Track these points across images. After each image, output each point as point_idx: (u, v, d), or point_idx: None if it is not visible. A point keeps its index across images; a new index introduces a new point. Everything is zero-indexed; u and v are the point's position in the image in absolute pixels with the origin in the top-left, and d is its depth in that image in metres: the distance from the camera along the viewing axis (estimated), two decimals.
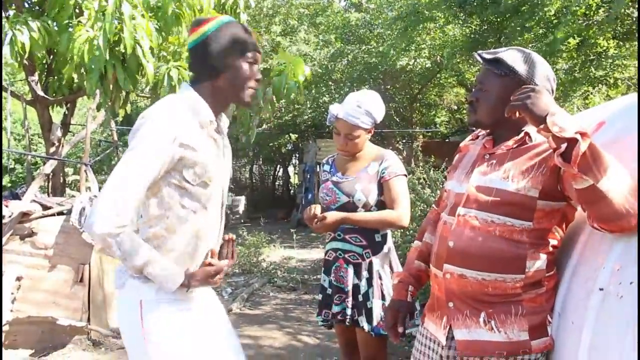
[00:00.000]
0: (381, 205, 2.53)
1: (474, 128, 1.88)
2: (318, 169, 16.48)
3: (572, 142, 1.34)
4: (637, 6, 5.96)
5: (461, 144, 1.94)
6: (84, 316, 4.33)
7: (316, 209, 2.53)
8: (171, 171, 1.65)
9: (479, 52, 1.73)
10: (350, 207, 2.52)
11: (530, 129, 1.64)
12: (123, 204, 1.54)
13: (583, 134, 1.33)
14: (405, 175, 2.59)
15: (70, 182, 12.63)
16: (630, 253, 1.34)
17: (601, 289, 1.36)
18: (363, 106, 2.50)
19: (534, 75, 1.64)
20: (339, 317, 2.56)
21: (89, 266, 4.36)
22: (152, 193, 1.67)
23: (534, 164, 1.57)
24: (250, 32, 1.75)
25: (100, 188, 5.40)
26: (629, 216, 1.35)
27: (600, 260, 1.41)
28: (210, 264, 1.73)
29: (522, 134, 1.65)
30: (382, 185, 2.53)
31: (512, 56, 1.66)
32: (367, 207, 2.51)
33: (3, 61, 4.56)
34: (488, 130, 1.79)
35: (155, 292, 1.67)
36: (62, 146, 5.43)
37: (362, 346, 2.54)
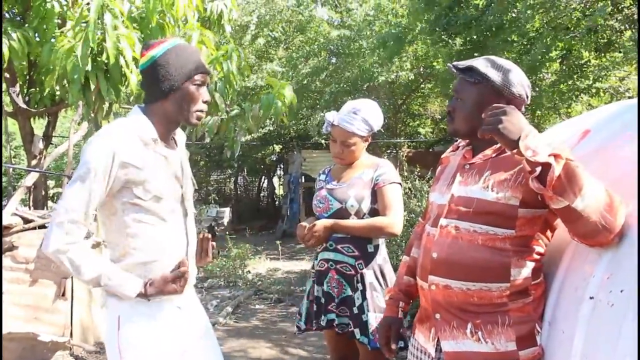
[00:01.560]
0: (374, 213, 2.49)
1: (455, 138, 1.89)
2: (303, 180, 16.48)
3: (547, 166, 1.34)
4: (637, 6, 6.05)
5: (442, 156, 1.96)
6: (67, 331, 4.24)
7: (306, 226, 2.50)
8: (122, 190, 1.70)
9: (453, 62, 1.75)
10: (343, 214, 2.49)
11: None
12: (70, 223, 1.63)
13: (557, 156, 1.34)
14: (400, 184, 2.55)
15: (52, 195, 12.46)
16: (619, 261, 1.35)
17: (591, 298, 1.36)
18: (359, 113, 2.49)
19: (506, 81, 1.65)
20: (333, 324, 2.53)
21: (72, 280, 4.28)
22: (110, 212, 1.74)
23: (513, 173, 1.58)
24: (198, 55, 1.81)
25: None
26: (606, 232, 1.37)
27: (590, 269, 1.41)
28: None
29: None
30: (376, 193, 2.49)
31: (484, 64, 1.67)
32: (359, 215, 2.47)
33: None
34: (467, 141, 1.81)
35: (131, 308, 1.72)
36: (44, 158, 5.35)
37: (363, 359, 2.52)
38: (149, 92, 1.80)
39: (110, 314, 1.74)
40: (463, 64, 1.71)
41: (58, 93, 4.58)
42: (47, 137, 5.60)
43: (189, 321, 1.86)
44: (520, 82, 1.67)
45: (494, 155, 1.66)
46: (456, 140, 1.96)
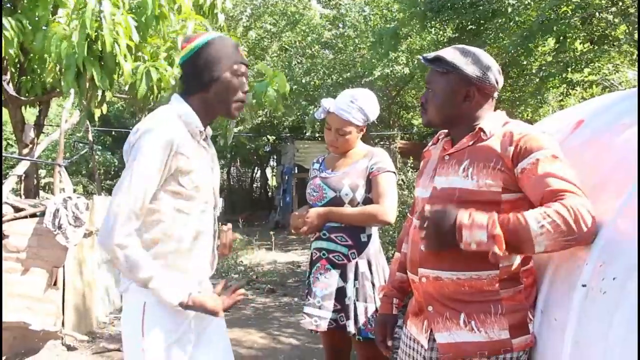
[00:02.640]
0: (369, 202, 2.47)
1: (430, 128, 1.90)
2: (296, 171, 16.48)
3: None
4: (637, 5, 6.07)
5: (424, 150, 1.97)
6: (58, 321, 4.24)
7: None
8: (168, 179, 1.71)
9: (423, 55, 1.75)
10: (337, 202, 2.47)
11: (483, 124, 1.66)
12: (130, 216, 1.63)
13: (494, 237, 1.42)
14: (395, 173, 2.53)
15: (43, 184, 12.39)
16: (612, 249, 1.35)
17: (584, 285, 1.36)
18: (356, 102, 2.47)
19: (475, 68, 1.65)
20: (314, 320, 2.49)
21: (64, 269, 4.27)
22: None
23: (491, 160, 1.58)
24: (237, 46, 1.83)
25: (74, 190, 5.31)
26: (578, 244, 1.41)
27: (582, 257, 1.42)
28: (218, 296, 1.80)
29: (476, 130, 1.67)
30: (371, 181, 2.48)
31: (452, 53, 1.68)
32: (353, 204, 2.45)
33: None
34: (446, 131, 1.81)
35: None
36: (36, 147, 5.32)
37: (357, 349, 2.51)
38: (190, 83, 1.81)
39: (134, 297, 1.75)
40: (432, 55, 1.72)
41: (50, 81, 4.54)
42: (39, 126, 5.56)
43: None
44: (489, 68, 1.67)
45: (470, 143, 1.66)
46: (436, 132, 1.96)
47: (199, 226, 1.80)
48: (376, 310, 2.38)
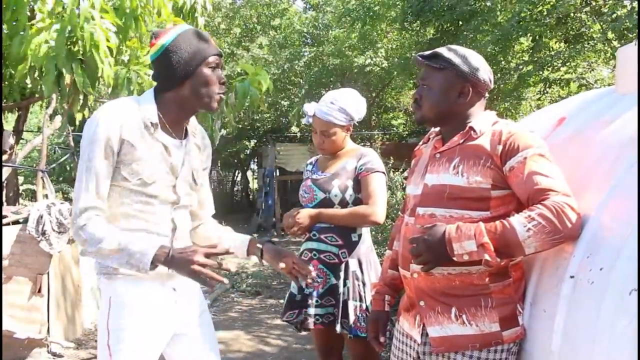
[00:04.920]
0: (358, 203, 2.49)
1: (422, 125, 1.94)
2: (277, 174, 16.45)
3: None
4: (637, 5, 6.18)
5: (415, 149, 2.00)
6: (43, 328, 4.19)
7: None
8: (116, 170, 1.68)
9: (418, 53, 1.79)
10: (327, 204, 2.49)
11: (473, 123, 1.70)
12: (85, 196, 1.63)
13: (483, 245, 1.48)
14: (384, 173, 2.55)
15: (21, 191, 12.20)
16: (598, 241, 1.40)
17: (572, 277, 1.41)
18: (337, 103, 2.50)
19: (470, 65, 1.70)
20: (301, 318, 2.53)
21: (48, 276, 4.22)
22: None
23: (480, 158, 1.63)
24: (208, 38, 1.78)
25: (57, 195, 5.25)
26: (566, 240, 1.46)
27: (569, 250, 1.46)
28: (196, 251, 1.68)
29: (466, 128, 1.71)
30: (360, 182, 2.50)
31: (447, 51, 1.73)
32: (343, 204, 2.48)
33: None
34: (438, 131, 1.85)
35: (122, 288, 1.72)
36: (15, 154, 5.25)
37: (349, 347, 2.53)
38: (163, 80, 1.76)
39: (103, 295, 1.74)
40: (428, 52, 1.77)
41: (30, 86, 4.49)
42: (18, 132, 5.49)
43: (183, 304, 1.84)
44: (483, 68, 1.72)
45: (461, 141, 1.71)
46: (428, 130, 2.00)
47: (146, 226, 1.73)
48: (367, 308, 2.41)
